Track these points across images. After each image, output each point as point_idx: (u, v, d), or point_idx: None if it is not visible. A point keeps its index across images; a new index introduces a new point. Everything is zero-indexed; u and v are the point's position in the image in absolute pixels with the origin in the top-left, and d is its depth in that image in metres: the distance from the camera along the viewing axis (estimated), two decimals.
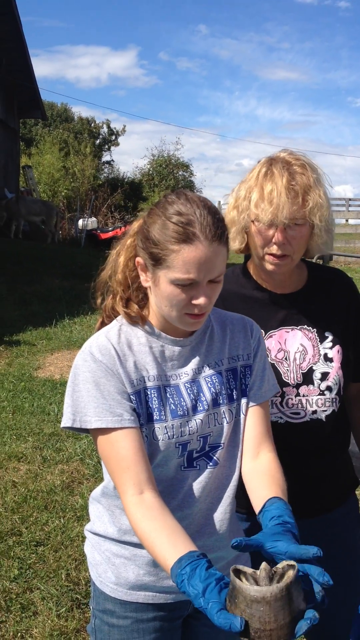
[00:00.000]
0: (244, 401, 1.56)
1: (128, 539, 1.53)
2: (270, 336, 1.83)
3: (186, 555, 1.20)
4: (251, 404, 1.56)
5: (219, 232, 1.38)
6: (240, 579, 1.10)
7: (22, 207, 16.92)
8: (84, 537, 1.89)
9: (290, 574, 1.09)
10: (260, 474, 1.47)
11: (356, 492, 2.01)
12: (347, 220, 21.64)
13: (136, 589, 1.54)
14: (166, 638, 1.57)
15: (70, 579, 3.27)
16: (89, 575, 1.64)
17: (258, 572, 1.11)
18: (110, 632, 1.56)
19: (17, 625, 2.92)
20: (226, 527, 1.57)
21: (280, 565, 1.12)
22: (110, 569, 1.56)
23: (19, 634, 2.87)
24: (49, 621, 2.94)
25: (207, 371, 1.54)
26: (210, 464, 1.52)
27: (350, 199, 25.91)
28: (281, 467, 1.51)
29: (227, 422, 1.53)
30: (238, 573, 1.11)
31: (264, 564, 1.11)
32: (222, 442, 1.53)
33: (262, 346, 1.62)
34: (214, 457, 1.53)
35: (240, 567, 1.12)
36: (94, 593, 1.62)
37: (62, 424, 1.45)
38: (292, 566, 1.10)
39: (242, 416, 1.56)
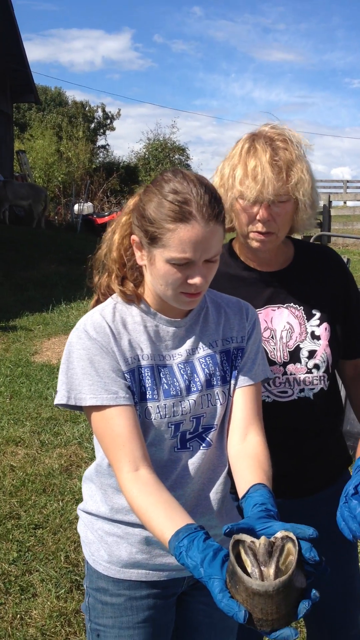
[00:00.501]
0: (233, 382, 1.55)
1: (120, 518, 1.53)
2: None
3: (184, 527, 1.20)
4: (240, 384, 1.55)
5: (216, 211, 1.36)
6: (239, 553, 1.09)
7: (9, 192, 16.70)
8: None
9: (292, 551, 1.08)
10: (247, 457, 1.46)
11: (349, 469, 2.00)
12: (345, 202, 21.59)
13: (129, 567, 1.53)
14: (160, 615, 1.57)
15: (69, 561, 3.29)
16: (83, 554, 1.63)
17: (257, 543, 1.10)
18: (104, 609, 1.56)
19: (17, 607, 2.93)
20: (218, 507, 1.56)
21: (278, 536, 1.11)
22: (103, 548, 1.55)
23: (19, 615, 2.88)
24: (48, 603, 2.95)
25: (201, 352, 1.53)
26: (204, 445, 1.52)
27: (348, 181, 25.83)
28: (268, 452, 1.49)
29: (221, 404, 1.52)
30: (237, 546, 1.10)
31: (263, 538, 1.10)
32: (215, 423, 1.52)
33: (257, 330, 1.61)
34: (207, 439, 1.52)
35: (239, 536, 1.12)
36: (87, 571, 1.62)
37: (56, 401, 1.44)
38: (291, 539, 1.09)
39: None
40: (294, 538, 1.09)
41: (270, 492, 1.30)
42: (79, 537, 3.42)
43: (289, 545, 1.09)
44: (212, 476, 1.55)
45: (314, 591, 1.07)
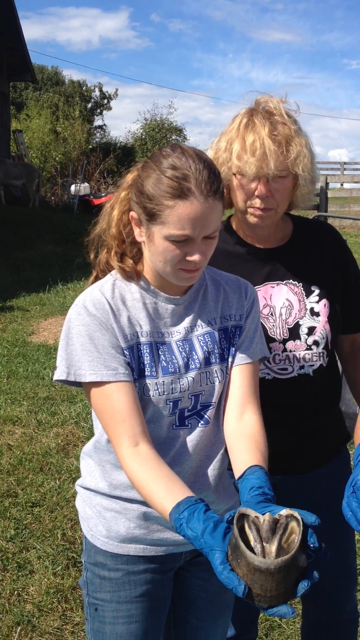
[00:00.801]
0: (231, 360, 1.55)
1: (119, 494, 1.54)
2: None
3: (184, 500, 1.22)
4: (238, 363, 1.55)
5: (215, 187, 1.35)
6: (242, 527, 1.10)
7: (1, 171, 16.44)
8: None
9: (295, 530, 1.08)
10: (244, 436, 1.46)
11: (347, 446, 2.01)
12: (342, 184, 21.47)
13: (127, 542, 1.55)
14: (157, 590, 1.59)
15: (66, 538, 3.31)
16: (82, 530, 1.65)
17: (261, 518, 1.11)
18: (102, 584, 1.57)
19: (14, 584, 2.95)
20: (216, 483, 1.57)
21: (283, 513, 1.12)
22: (101, 523, 1.56)
23: (16, 592, 2.91)
24: (45, 579, 2.98)
25: (200, 330, 1.52)
26: (202, 422, 1.52)
27: (345, 163, 25.70)
28: (264, 431, 1.49)
29: (219, 382, 1.52)
30: (242, 519, 1.11)
31: (267, 515, 1.11)
32: (213, 401, 1.53)
33: (256, 308, 1.61)
34: (205, 416, 1.52)
35: (244, 510, 1.12)
36: (85, 547, 1.63)
37: (56, 377, 1.44)
38: (295, 518, 1.10)
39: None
40: (299, 517, 1.10)
41: (267, 474, 1.31)
42: (75, 514, 3.46)
43: (293, 524, 1.10)
44: (210, 453, 1.56)
45: (314, 572, 1.08)
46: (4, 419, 4.84)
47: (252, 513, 1.12)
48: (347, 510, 1.18)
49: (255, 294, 1.63)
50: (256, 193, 1.67)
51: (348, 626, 2.05)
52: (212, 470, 1.56)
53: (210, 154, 1.73)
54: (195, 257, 1.37)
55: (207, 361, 1.51)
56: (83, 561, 1.64)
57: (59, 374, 1.43)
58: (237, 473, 1.36)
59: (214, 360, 1.52)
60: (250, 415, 1.52)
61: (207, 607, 1.66)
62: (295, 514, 1.11)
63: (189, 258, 1.37)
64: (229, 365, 1.55)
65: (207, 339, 1.52)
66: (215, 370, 1.52)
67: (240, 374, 1.54)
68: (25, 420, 4.84)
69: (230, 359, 1.54)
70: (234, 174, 1.68)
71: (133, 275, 1.50)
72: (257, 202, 1.68)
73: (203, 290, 1.56)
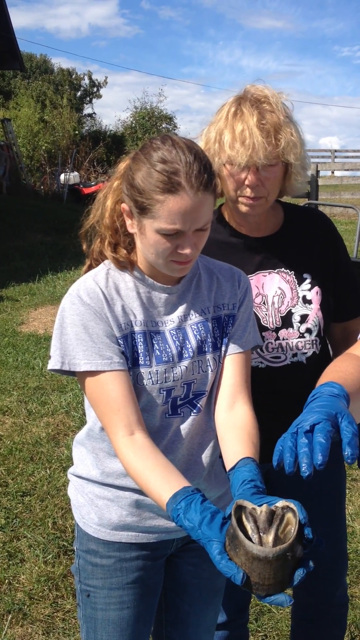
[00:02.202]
0: (224, 349, 1.55)
1: (111, 482, 1.54)
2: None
3: (181, 490, 1.22)
4: (230, 352, 1.55)
5: (206, 180, 1.34)
6: (240, 518, 1.11)
7: None
8: None
9: (292, 521, 1.10)
10: (235, 427, 1.47)
11: None
12: (332, 172, 21.47)
13: (119, 529, 1.55)
14: (149, 576, 1.60)
15: (57, 527, 3.32)
16: (74, 518, 1.65)
17: (258, 510, 1.12)
18: (94, 571, 1.58)
19: (5, 572, 2.96)
20: (208, 471, 1.58)
21: (279, 505, 1.13)
22: (93, 511, 1.57)
23: (7, 580, 2.92)
24: (36, 568, 2.99)
25: (193, 319, 1.53)
26: (194, 411, 1.53)
27: (336, 150, 25.69)
28: (256, 421, 1.50)
29: (212, 370, 1.53)
30: (239, 511, 1.12)
31: (265, 506, 1.12)
32: (205, 389, 1.53)
33: (249, 297, 1.61)
34: (198, 405, 1.53)
35: (241, 502, 1.13)
36: (77, 534, 1.63)
37: (50, 366, 1.44)
38: (291, 510, 1.11)
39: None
40: (295, 508, 1.11)
41: (258, 467, 1.32)
42: (66, 503, 3.47)
43: (289, 515, 1.11)
44: (202, 441, 1.56)
45: (310, 562, 1.10)
46: None
47: (249, 505, 1.13)
48: (278, 446, 1.14)
49: (249, 283, 1.63)
50: (246, 182, 1.67)
51: (338, 609, 2.08)
52: (204, 458, 1.57)
53: (200, 144, 1.72)
54: (187, 250, 1.37)
55: (200, 350, 1.52)
56: (75, 549, 1.65)
57: (53, 364, 1.43)
58: (229, 464, 1.37)
59: (207, 349, 1.53)
60: (242, 405, 1.52)
61: (199, 592, 1.68)
62: (292, 505, 1.12)
63: (180, 251, 1.38)
64: (222, 354, 1.55)
65: (200, 328, 1.53)
66: (208, 359, 1.53)
67: (232, 364, 1.55)
68: (16, 410, 4.83)
69: (223, 348, 1.55)
70: (224, 164, 1.67)
71: (127, 265, 1.50)
72: (247, 191, 1.68)
73: (196, 279, 1.56)
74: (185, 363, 1.50)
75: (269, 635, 2.67)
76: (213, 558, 1.11)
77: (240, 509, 1.13)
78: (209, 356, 1.53)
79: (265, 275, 1.81)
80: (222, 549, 1.10)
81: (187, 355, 1.50)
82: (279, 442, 1.15)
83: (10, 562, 3.05)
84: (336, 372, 1.32)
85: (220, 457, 1.61)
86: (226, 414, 1.51)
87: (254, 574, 1.07)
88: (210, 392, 1.55)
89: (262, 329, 1.78)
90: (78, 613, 1.66)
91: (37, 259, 10.82)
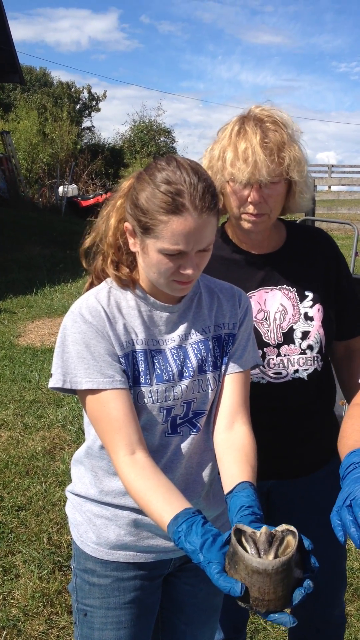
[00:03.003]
0: (224, 368, 1.56)
1: (109, 500, 1.54)
2: (250, 297, 1.81)
3: (182, 512, 1.22)
4: (230, 371, 1.55)
5: (209, 202, 1.35)
6: (240, 540, 1.11)
7: None
8: (65, 501, 1.89)
9: (292, 542, 1.11)
10: (234, 449, 1.47)
11: None
12: (329, 187, 21.59)
13: (117, 549, 1.55)
14: (146, 596, 1.59)
15: (52, 542, 3.30)
16: (71, 536, 1.65)
17: (258, 533, 1.12)
18: (91, 590, 1.57)
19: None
20: (206, 490, 1.58)
21: (279, 529, 1.13)
22: (91, 529, 1.57)
23: (1, 596, 2.90)
24: (31, 583, 2.97)
25: (194, 338, 1.53)
26: (194, 430, 1.53)
27: (333, 165, 25.82)
28: (255, 443, 1.50)
29: (212, 390, 1.53)
30: (239, 533, 1.12)
31: (264, 528, 1.13)
32: (205, 409, 1.53)
33: (249, 317, 1.62)
34: (197, 424, 1.53)
35: (241, 526, 1.14)
36: (75, 553, 1.63)
37: (51, 384, 1.44)
38: (291, 532, 1.12)
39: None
40: (295, 531, 1.11)
41: (256, 491, 1.32)
42: (62, 519, 3.46)
43: (289, 537, 1.12)
44: (201, 461, 1.56)
45: (308, 581, 1.10)
46: None
47: (249, 529, 1.14)
48: (336, 519, 1.17)
49: (249, 303, 1.64)
50: (249, 199, 1.69)
51: (335, 630, 2.07)
52: (203, 477, 1.57)
53: (204, 162, 1.75)
54: (189, 271, 1.38)
55: (200, 369, 1.52)
56: (72, 567, 1.64)
57: (54, 382, 1.43)
58: (226, 487, 1.37)
59: (207, 368, 1.53)
60: (240, 425, 1.52)
61: (196, 612, 1.67)
62: (292, 528, 1.12)
63: (182, 271, 1.38)
64: (222, 374, 1.55)
65: (201, 347, 1.53)
66: (209, 378, 1.53)
67: (232, 383, 1.55)
68: (12, 424, 4.82)
69: (223, 367, 1.55)
70: (227, 182, 1.69)
71: (129, 283, 1.50)
72: (250, 209, 1.70)
73: (197, 298, 1.57)
74: (185, 382, 1.50)
75: None
76: (212, 577, 1.11)
77: (239, 532, 1.13)
78: (209, 375, 1.53)
79: (267, 292, 1.83)
80: (222, 569, 1.11)
81: (187, 375, 1.50)
82: (335, 516, 1.17)
83: (5, 577, 3.04)
84: (357, 432, 1.32)
85: (219, 475, 1.61)
86: (225, 434, 1.51)
87: (253, 588, 1.07)
88: (210, 411, 1.55)
89: (264, 344, 1.79)
90: (74, 632, 1.65)
91: (34, 271, 10.82)
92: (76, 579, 1.61)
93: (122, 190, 1.50)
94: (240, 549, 1.08)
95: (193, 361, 1.51)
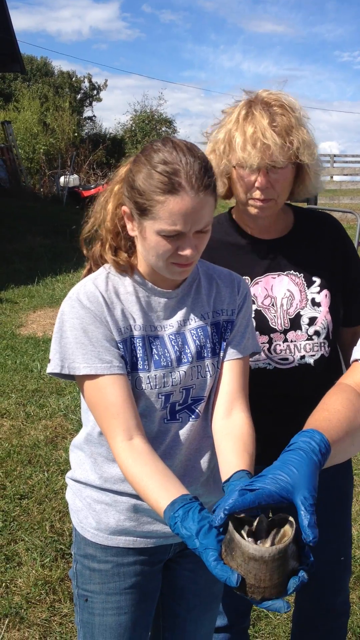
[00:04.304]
0: (222, 355, 1.55)
1: (109, 486, 1.54)
2: (257, 283, 1.81)
3: (179, 498, 1.22)
4: (228, 358, 1.55)
5: (206, 181, 1.34)
6: (236, 528, 1.11)
7: None
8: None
9: (288, 532, 1.10)
10: (232, 436, 1.46)
11: None
12: (331, 177, 21.50)
13: (117, 534, 1.55)
14: (146, 581, 1.59)
15: (55, 530, 3.31)
16: (72, 522, 1.65)
17: (255, 521, 1.12)
18: (92, 576, 1.57)
19: (2, 576, 2.95)
20: (206, 477, 1.58)
21: (277, 518, 1.13)
22: (91, 515, 1.57)
23: (4, 584, 2.91)
24: (34, 571, 2.98)
25: (193, 324, 1.52)
26: (193, 416, 1.52)
27: (335, 155, 25.71)
28: (253, 430, 1.49)
29: (211, 376, 1.53)
30: (235, 521, 1.12)
31: (262, 516, 1.12)
32: (204, 395, 1.53)
33: (248, 303, 1.61)
34: (196, 410, 1.52)
35: (238, 513, 1.13)
36: (75, 538, 1.63)
37: (49, 370, 1.43)
38: (289, 521, 1.11)
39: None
40: (293, 521, 1.11)
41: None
42: (64, 507, 3.46)
43: (287, 526, 1.11)
44: (200, 447, 1.56)
45: (303, 572, 1.09)
46: None
47: (246, 518, 1.13)
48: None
49: (248, 289, 1.63)
50: (256, 184, 1.68)
51: (339, 617, 2.07)
52: (202, 464, 1.56)
53: (208, 146, 1.74)
54: (187, 252, 1.37)
55: (199, 355, 1.51)
56: (73, 553, 1.64)
57: (52, 367, 1.43)
58: (224, 475, 1.36)
59: (206, 355, 1.52)
60: (239, 412, 1.52)
61: (196, 598, 1.67)
62: (290, 517, 1.12)
63: (181, 252, 1.37)
64: (220, 360, 1.55)
65: (199, 333, 1.52)
66: (207, 365, 1.52)
67: (230, 370, 1.54)
68: (14, 413, 4.83)
69: (221, 354, 1.54)
70: (234, 167, 1.68)
71: (127, 268, 1.49)
72: (257, 194, 1.69)
73: (196, 284, 1.56)
74: (184, 368, 1.49)
75: None
76: (209, 565, 1.10)
77: (236, 519, 1.13)
78: (207, 362, 1.52)
79: (274, 277, 1.82)
80: (218, 556, 1.10)
81: (185, 361, 1.50)
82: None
83: (8, 565, 3.05)
84: (323, 411, 1.30)
85: None
86: (223, 421, 1.51)
87: (249, 575, 1.07)
88: (209, 397, 1.54)
89: (271, 330, 1.78)
90: (75, 618, 1.66)
91: (36, 261, 10.81)
92: (76, 564, 1.62)
93: (119, 175, 1.49)
94: (237, 535, 1.08)
95: (192, 347, 1.50)
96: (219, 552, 1.10)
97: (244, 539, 1.09)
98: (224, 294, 1.58)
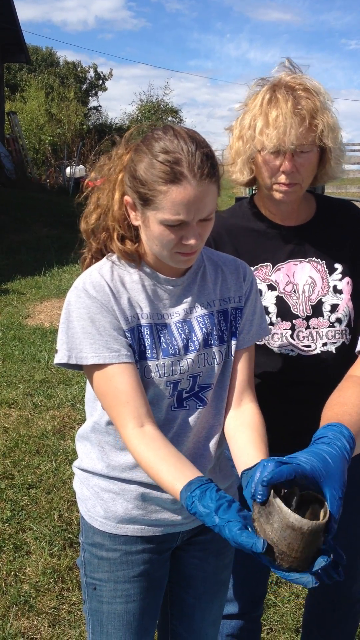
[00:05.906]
0: (233, 343, 1.55)
1: (117, 475, 1.54)
2: (279, 269, 1.81)
3: (195, 479, 1.23)
4: (237, 348, 1.55)
5: (208, 169, 1.33)
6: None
7: None
8: None
9: (318, 512, 1.12)
10: (246, 426, 1.48)
11: None
12: None
13: (125, 523, 1.55)
14: (155, 569, 1.60)
15: (63, 520, 3.33)
16: (79, 511, 1.65)
17: (290, 493, 1.13)
18: (100, 564, 1.58)
19: (11, 565, 2.97)
20: (213, 464, 1.58)
21: (307, 495, 1.14)
22: (99, 504, 1.57)
23: (13, 572, 2.93)
24: (42, 560, 2.99)
25: (199, 311, 1.52)
26: (200, 404, 1.52)
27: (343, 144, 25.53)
28: (262, 418, 1.51)
29: (218, 363, 1.53)
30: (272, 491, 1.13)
31: (296, 489, 1.13)
32: (212, 382, 1.53)
33: (254, 289, 1.60)
34: (204, 398, 1.52)
35: (275, 483, 1.13)
36: (83, 527, 1.63)
37: (57, 361, 1.43)
38: (320, 501, 1.13)
39: (231, 358, 1.55)
40: (325, 502, 1.12)
41: None
42: (72, 496, 3.48)
43: (316, 505, 1.13)
44: (208, 435, 1.56)
45: (331, 555, 1.11)
46: (0, 402, 4.84)
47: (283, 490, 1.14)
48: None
49: (254, 276, 1.63)
50: (281, 169, 1.67)
51: (353, 605, 2.07)
52: (210, 452, 1.56)
53: (235, 132, 1.73)
54: (191, 241, 1.36)
55: (206, 343, 1.51)
56: (81, 542, 1.65)
57: (59, 358, 1.42)
58: (242, 465, 1.37)
59: (213, 342, 1.52)
60: (248, 402, 1.53)
61: (204, 586, 1.68)
62: (320, 497, 1.13)
63: (184, 242, 1.37)
64: (229, 348, 1.54)
65: (206, 320, 1.52)
66: (214, 352, 1.52)
67: (239, 360, 1.55)
68: (22, 403, 4.84)
69: (233, 342, 1.55)
70: (259, 151, 1.67)
71: (135, 257, 1.48)
72: (282, 178, 1.69)
73: (202, 271, 1.56)
74: (191, 356, 1.49)
75: (274, 629, 2.67)
76: (232, 535, 1.11)
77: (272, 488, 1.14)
78: (215, 349, 1.52)
79: (296, 264, 1.81)
80: (242, 527, 1.11)
81: (193, 348, 1.50)
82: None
83: (17, 554, 3.06)
84: (341, 405, 1.31)
85: (226, 450, 1.61)
86: (234, 411, 1.52)
87: (283, 542, 1.08)
88: (217, 385, 1.54)
89: (293, 316, 1.79)
90: (84, 606, 1.67)
91: (42, 252, 10.82)
92: (85, 553, 1.62)
93: (122, 163, 1.47)
94: (279, 501, 1.09)
95: (198, 335, 1.50)
96: (242, 524, 1.11)
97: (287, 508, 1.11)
98: (230, 281, 1.57)
